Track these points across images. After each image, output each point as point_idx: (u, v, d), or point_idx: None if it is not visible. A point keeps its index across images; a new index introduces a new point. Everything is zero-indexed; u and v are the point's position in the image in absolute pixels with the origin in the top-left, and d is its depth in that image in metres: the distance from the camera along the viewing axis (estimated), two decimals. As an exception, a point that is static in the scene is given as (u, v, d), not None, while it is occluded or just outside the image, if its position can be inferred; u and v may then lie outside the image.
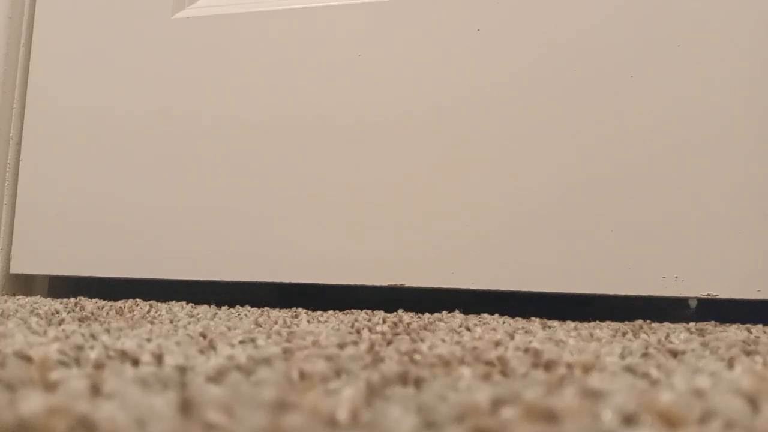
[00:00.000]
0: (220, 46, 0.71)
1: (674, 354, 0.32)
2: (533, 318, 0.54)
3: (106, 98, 0.73)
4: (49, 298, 0.65)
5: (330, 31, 0.68)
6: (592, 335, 0.40)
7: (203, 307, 0.58)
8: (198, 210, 0.69)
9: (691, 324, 0.51)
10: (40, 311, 0.48)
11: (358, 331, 0.39)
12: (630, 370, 0.26)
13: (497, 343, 0.34)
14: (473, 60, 0.64)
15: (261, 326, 0.42)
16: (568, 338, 0.37)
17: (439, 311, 0.57)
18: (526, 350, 0.31)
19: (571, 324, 0.49)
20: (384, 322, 0.47)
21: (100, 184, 0.72)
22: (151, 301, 0.62)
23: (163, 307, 0.58)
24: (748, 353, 0.32)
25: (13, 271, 0.74)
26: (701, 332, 0.44)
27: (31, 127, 0.76)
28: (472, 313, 0.57)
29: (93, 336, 0.33)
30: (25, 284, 0.76)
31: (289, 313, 0.54)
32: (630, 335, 0.41)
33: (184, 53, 0.72)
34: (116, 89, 0.73)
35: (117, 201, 0.71)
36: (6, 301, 0.58)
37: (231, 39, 0.71)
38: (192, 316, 0.49)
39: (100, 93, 0.74)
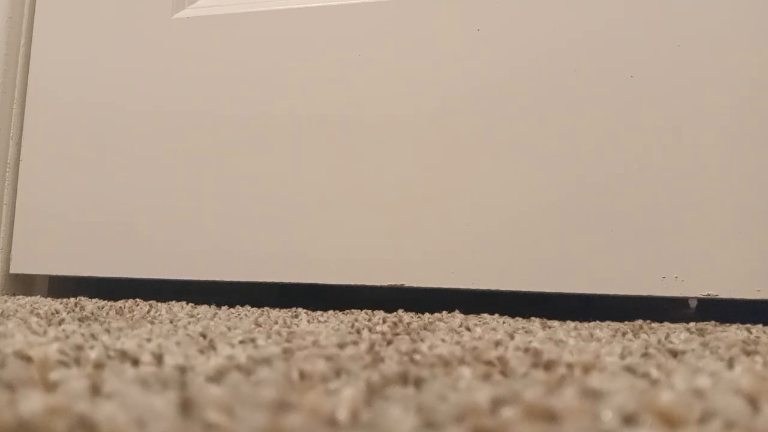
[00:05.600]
0: (220, 46, 0.71)
1: (674, 354, 0.32)
2: (533, 318, 0.54)
3: (106, 98, 0.73)
4: (49, 298, 0.65)
5: (330, 31, 0.68)
6: (592, 335, 0.40)
7: (203, 307, 0.58)
8: (198, 210, 0.69)
9: (691, 324, 0.51)
10: (40, 311, 0.48)
11: (358, 331, 0.39)
12: (630, 370, 0.26)
13: (497, 343, 0.34)
14: (473, 60, 0.64)
15: (261, 326, 0.42)
16: (568, 338, 0.37)
17: (439, 311, 0.57)
18: (526, 350, 0.31)
19: (571, 324, 0.49)
20: (384, 322, 0.47)
21: (100, 183, 0.72)
22: (151, 301, 0.62)
23: (163, 307, 0.58)
24: (748, 353, 0.32)
25: (13, 271, 0.74)
26: (701, 332, 0.44)
27: (31, 127, 0.76)
28: (472, 313, 0.57)
29: (93, 336, 0.33)
30: (25, 284, 0.76)
31: (289, 313, 0.54)
32: (630, 335, 0.41)
33: (184, 53, 0.72)
34: (116, 89, 0.73)
35: (117, 201, 0.71)
36: (6, 301, 0.58)
37: (231, 39, 0.71)
38: (192, 316, 0.49)
39: (100, 93, 0.74)
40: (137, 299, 0.63)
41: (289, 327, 0.42)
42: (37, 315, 0.45)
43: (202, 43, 0.71)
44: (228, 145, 0.69)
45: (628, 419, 0.17)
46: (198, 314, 0.51)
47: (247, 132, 0.69)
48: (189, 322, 0.43)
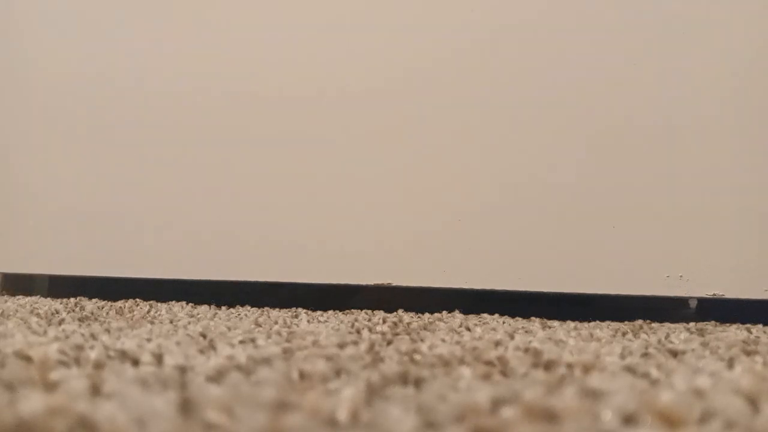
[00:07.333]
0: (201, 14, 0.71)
1: (674, 354, 0.32)
2: (533, 318, 0.54)
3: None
4: (49, 298, 0.65)
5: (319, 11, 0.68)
6: (592, 335, 0.40)
7: (203, 307, 0.58)
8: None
9: (691, 324, 0.51)
10: (40, 311, 0.48)
11: (358, 331, 0.39)
12: (630, 370, 0.26)
13: (497, 343, 0.34)
14: (472, 58, 0.64)
15: (261, 326, 0.42)
16: (568, 338, 0.37)
17: (439, 311, 0.57)
18: (526, 350, 0.31)
19: (571, 324, 0.49)
20: (384, 322, 0.47)
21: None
22: (151, 301, 0.62)
23: (163, 307, 0.58)
24: (748, 353, 0.32)
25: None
26: (701, 332, 0.44)
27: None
28: (472, 313, 0.57)
29: (93, 336, 0.33)
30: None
31: (289, 313, 0.54)
32: (630, 335, 0.41)
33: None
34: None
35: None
36: (6, 301, 0.58)
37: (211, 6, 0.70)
38: (192, 316, 0.49)
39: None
40: (137, 299, 0.63)
41: (289, 327, 0.42)
42: (37, 315, 0.45)
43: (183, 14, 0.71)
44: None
45: (628, 419, 0.17)
46: (198, 314, 0.51)
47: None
48: (189, 322, 0.43)
